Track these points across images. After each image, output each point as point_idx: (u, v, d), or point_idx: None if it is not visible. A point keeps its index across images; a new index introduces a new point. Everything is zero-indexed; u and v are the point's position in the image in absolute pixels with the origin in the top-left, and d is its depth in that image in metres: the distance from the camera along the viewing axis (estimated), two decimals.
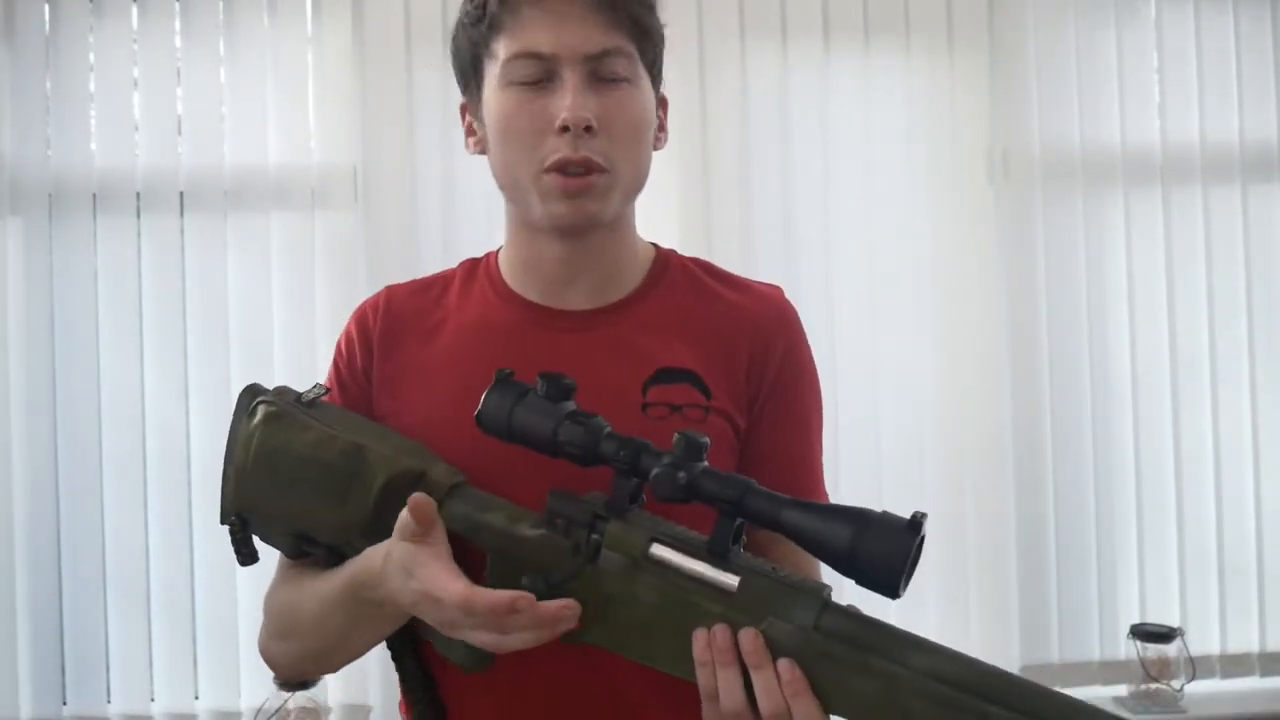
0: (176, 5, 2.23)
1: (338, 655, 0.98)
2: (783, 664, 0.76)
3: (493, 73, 0.97)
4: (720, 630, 0.78)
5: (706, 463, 0.81)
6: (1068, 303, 2.34)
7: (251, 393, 0.99)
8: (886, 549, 0.74)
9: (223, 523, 0.98)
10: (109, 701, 2.20)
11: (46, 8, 2.22)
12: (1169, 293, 2.37)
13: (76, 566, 2.19)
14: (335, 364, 1.07)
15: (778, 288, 1.11)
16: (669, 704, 0.99)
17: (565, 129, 0.93)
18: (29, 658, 2.18)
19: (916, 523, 0.75)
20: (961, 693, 0.73)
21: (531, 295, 1.03)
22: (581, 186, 0.94)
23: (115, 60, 2.23)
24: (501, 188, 1.02)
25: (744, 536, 0.83)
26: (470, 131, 1.04)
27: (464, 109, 1.05)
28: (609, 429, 0.84)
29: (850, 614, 0.78)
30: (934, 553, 2.16)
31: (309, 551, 0.96)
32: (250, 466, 0.94)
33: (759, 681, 0.76)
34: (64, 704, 2.19)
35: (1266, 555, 2.37)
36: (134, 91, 2.24)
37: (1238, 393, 2.38)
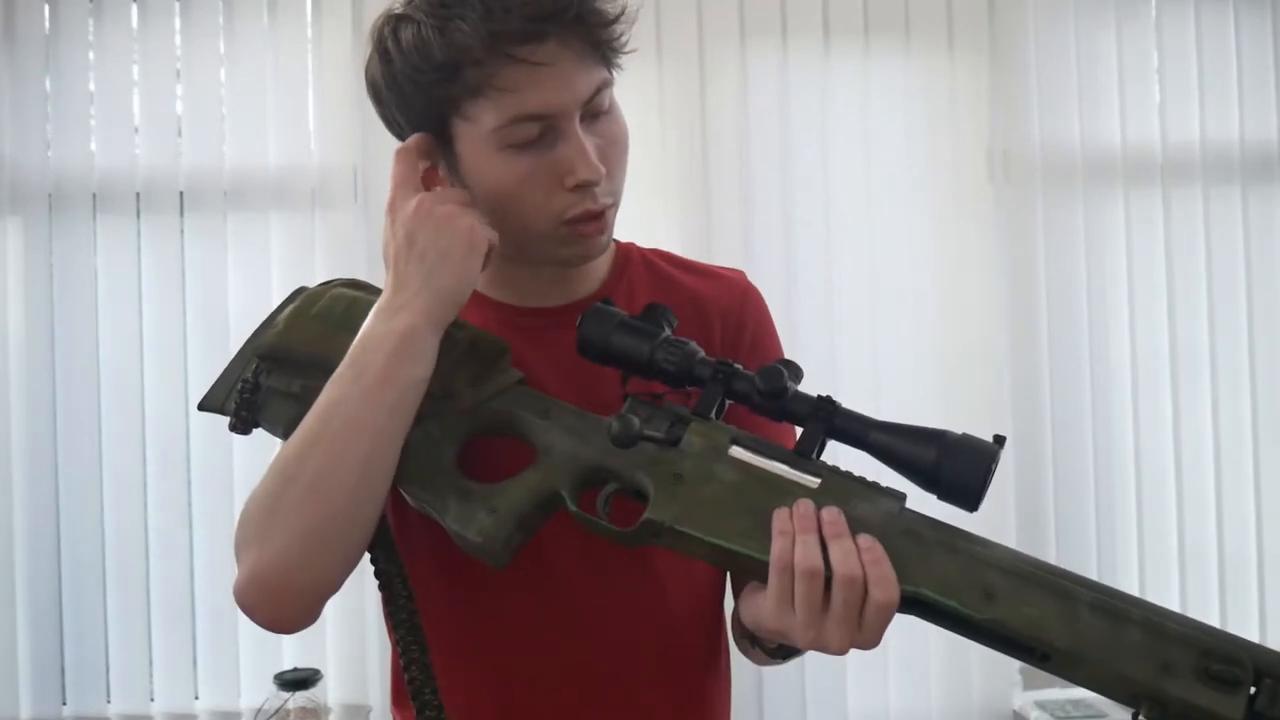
0: (176, 5, 2.23)
1: (348, 482, 0.84)
2: (863, 537, 0.77)
3: (475, 135, 0.89)
4: (804, 503, 0.78)
5: (794, 388, 0.83)
6: (1068, 303, 2.34)
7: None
8: (972, 463, 0.78)
9: (209, 410, 0.94)
10: (109, 701, 2.20)
11: (46, 8, 2.22)
12: (1169, 293, 2.37)
13: (76, 567, 2.19)
14: None
15: (740, 271, 1.11)
16: (661, 680, 0.99)
17: (579, 185, 0.90)
18: (29, 658, 2.18)
19: (999, 443, 0.80)
20: (1045, 572, 0.76)
21: (498, 297, 1.02)
22: (599, 229, 0.93)
23: (115, 60, 2.23)
24: (497, 235, 0.96)
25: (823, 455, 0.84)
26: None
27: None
28: (702, 354, 0.86)
29: (927, 516, 0.80)
30: None
31: None
32: (313, 313, 0.92)
33: (836, 549, 0.76)
34: (64, 704, 2.19)
35: (1266, 555, 2.37)
36: (134, 91, 2.25)
37: (1238, 393, 2.38)
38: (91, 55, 2.24)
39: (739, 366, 0.85)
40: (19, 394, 2.19)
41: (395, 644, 0.89)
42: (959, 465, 0.78)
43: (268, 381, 0.91)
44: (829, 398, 0.83)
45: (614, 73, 0.94)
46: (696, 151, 2.25)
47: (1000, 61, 2.34)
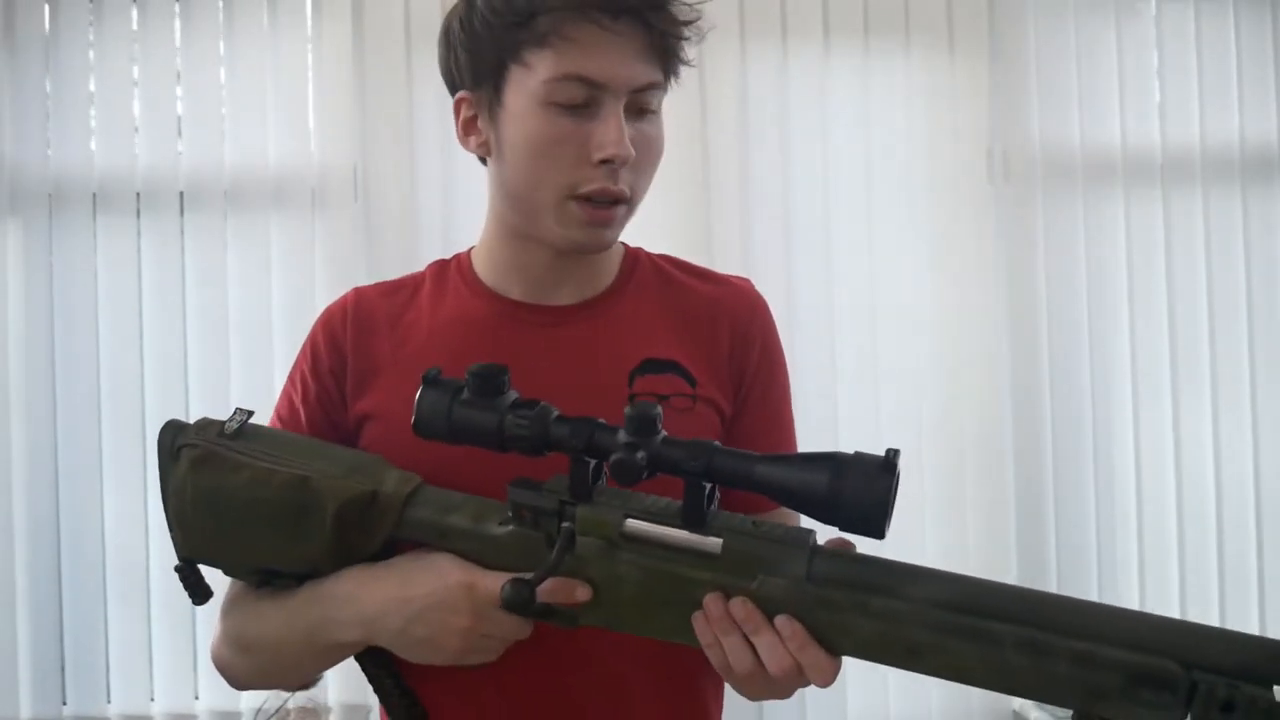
0: (176, 5, 2.23)
1: (293, 676, 1.01)
2: (780, 621, 0.76)
3: (525, 84, 0.92)
4: (712, 601, 0.77)
5: (664, 433, 0.78)
6: (1068, 303, 2.34)
7: (172, 430, 0.96)
8: (867, 488, 0.72)
9: (178, 570, 0.96)
10: (109, 701, 2.20)
11: (46, 8, 2.22)
12: (1169, 293, 2.37)
13: (76, 567, 2.19)
14: (299, 367, 1.06)
15: (747, 279, 1.11)
16: (654, 682, 0.98)
17: (605, 161, 0.92)
18: (29, 658, 2.18)
19: (891, 461, 0.73)
20: (965, 615, 0.73)
21: (514, 294, 1.02)
22: (606, 219, 0.95)
23: (115, 60, 2.23)
24: (509, 197, 0.99)
25: (718, 496, 0.81)
26: (472, 129, 0.99)
27: (461, 103, 0.99)
28: (557, 413, 0.80)
29: (840, 555, 0.78)
30: (934, 552, 2.17)
31: (274, 582, 0.94)
32: (191, 515, 0.91)
33: (761, 644, 0.76)
34: (64, 704, 2.19)
35: (1266, 555, 2.37)
36: (134, 91, 2.25)
37: (1238, 392, 2.38)
38: (91, 55, 2.24)
39: (599, 421, 0.79)
40: (19, 394, 2.19)
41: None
42: (855, 492, 0.72)
43: (208, 560, 0.96)
44: (700, 443, 0.77)
45: (668, 83, 0.97)
46: (696, 151, 2.26)
47: (1000, 61, 2.34)
